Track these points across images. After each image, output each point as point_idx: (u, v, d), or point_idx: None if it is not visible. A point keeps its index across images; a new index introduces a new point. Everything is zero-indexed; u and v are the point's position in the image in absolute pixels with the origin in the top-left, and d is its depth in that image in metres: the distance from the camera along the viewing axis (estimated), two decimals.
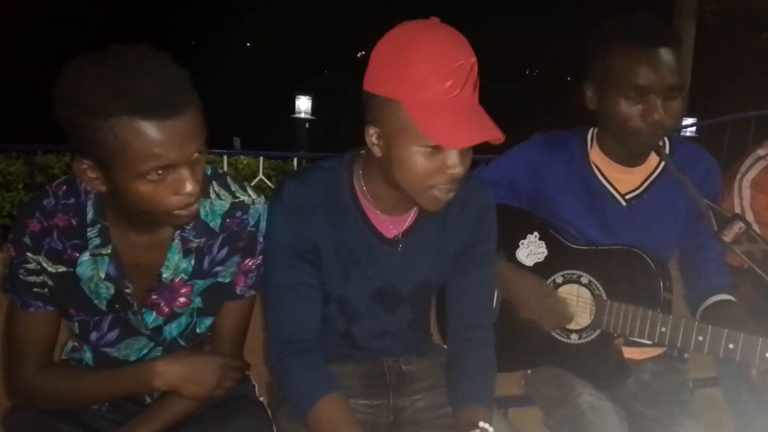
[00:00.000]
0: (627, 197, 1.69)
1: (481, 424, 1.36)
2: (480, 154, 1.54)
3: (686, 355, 1.83)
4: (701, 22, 9.76)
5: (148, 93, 1.09)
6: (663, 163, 1.68)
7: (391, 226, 1.46)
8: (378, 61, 1.28)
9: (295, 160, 6.63)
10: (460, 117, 1.23)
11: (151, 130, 1.10)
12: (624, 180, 1.70)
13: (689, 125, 8.72)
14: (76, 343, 1.47)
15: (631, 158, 1.69)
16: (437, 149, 1.25)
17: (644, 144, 1.59)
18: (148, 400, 1.47)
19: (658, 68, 1.51)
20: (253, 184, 5.69)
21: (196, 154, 1.18)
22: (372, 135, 1.31)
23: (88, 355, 1.45)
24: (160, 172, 1.15)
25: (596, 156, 1.72)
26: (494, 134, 1.24)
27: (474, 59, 1.26)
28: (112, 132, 1.09)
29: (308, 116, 12.38)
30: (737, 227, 1.49)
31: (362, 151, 1.44)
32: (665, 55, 1.51)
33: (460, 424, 1.40)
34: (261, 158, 6.27)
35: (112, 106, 1.08)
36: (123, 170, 1.14)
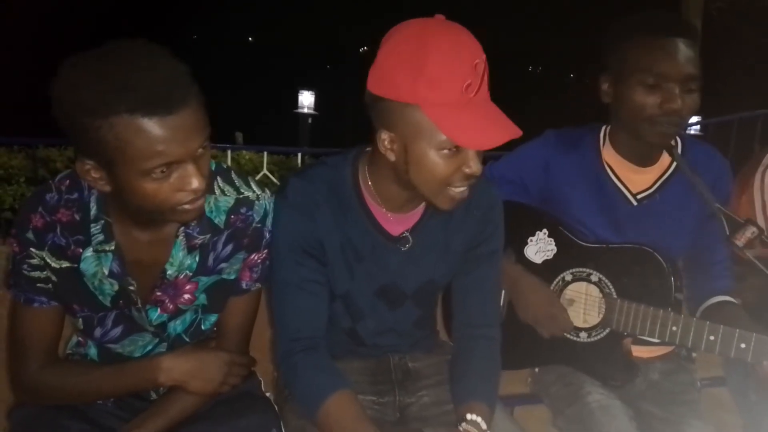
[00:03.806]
0: (638, 197, 1.68)
1: (469, 416, 1.34)
2: (488, 151, 1.52)
3: (694, 355, 1.83)
4: (707, 19, 9.73)
5: (147, 89, 1.06)
6: (675, 163, 1.66)
7: (396, 223, 1.45)
8: (388, 64, 1.24)
9: (299, 155, 6.62)
10: (482, 116, 1.22)
11: (152, 127, 1.08)
12: (636, 179, 1.68)
13: (695, 123, 8.69)
14: (80, 339, 1.46)
15: (643, 157, 1.67)
16: (457, 150, 1.24)
17: (659, 135, 1.56)
18: (154, 396, 1.46)
19: (676, 56, 1.51)
20: (256, 179, 5.66)
21: (200, 149, 1.16)
22: (384, 140, 1.29)
23: (92, 351, 1.44)
24: (164, 169, 1.12)
25: (608, 154, 1.70)
26: (515, 131, 1.24)
27: (484, 56, 1.24)
28: (112, 131, 1.07)
29: (311, 111, 12.31)
30: (750, 232, 1.49)
31: (368, 149, 1.42)
32: (683, 45, 1.52)
33: (457, 420, 1.39)
34: (265, 153, 6.24)
35: (112, 105, 1.06)
36: (126, 169, 1.11)
